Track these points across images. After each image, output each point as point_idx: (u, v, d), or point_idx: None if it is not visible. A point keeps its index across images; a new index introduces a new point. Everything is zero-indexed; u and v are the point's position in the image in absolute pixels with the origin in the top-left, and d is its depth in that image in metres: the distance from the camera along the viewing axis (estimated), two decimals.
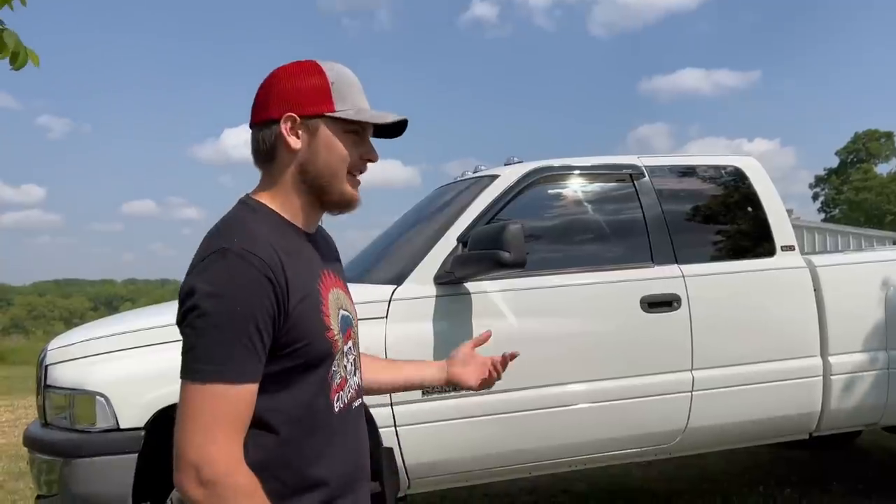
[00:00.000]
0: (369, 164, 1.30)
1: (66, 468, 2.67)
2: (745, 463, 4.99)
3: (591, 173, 3.51)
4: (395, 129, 1.33)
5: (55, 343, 2.98)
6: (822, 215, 44.03)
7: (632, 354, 3.19)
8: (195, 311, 1.09)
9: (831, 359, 3.44)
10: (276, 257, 1.13)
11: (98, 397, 2.66)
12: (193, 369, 1.09)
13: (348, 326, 1.29)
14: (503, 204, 3.24)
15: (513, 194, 3.28)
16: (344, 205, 1.28)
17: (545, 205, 3.46)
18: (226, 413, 1.08)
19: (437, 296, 2.98)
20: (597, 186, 3.52)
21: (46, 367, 2.85)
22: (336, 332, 1.23)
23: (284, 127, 1.21)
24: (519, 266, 2.84)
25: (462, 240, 3.09)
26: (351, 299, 1.35)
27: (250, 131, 1.27)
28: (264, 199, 1.25)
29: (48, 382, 2.83)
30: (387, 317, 2.89)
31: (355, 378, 1.31)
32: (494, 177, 3.40)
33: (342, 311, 1.27)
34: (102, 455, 2.65)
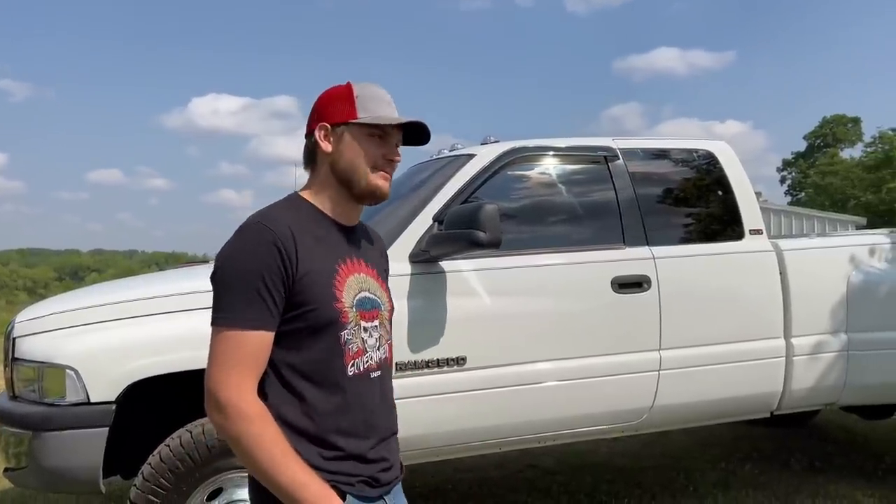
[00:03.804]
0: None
1: (36, 441, 2.66)
2: (707, 440, 5.14)
3: (566, 154, 3.54)
4: (421, 136, 1.56)
5: (23, 315, 2.94)
6: (790, 198, 44.84)
7: (602, 334, 3.25)
8: (217, 272, 1.36)
9: (794, 340, 3.53)
10: (289, 232, 1.36)
11: (68, 370, 2.64)
12: (214, 318, 1.34)
13: (374, 308, 1.48)
14: (479, 183, 3.26)
15: (489, 174, 3.30)
16: (369, 194, 1.48)
17: (520, 185, 3.48)
18: (235, 353, 1.31)
19: (412, 274, 3.00)
20: (571, 168, 3.55)
21: (14, 339, 2.81)
22: (347, 305, 1.41)
23: (319, 134, 1.48)
24: (494, 246, 2.86)
25: (438, 219, 3.10)
26: (386, 290, 1.57)
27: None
28: (306, 195, 1.50)
29: (16, 355, 2.79)
30: None
31: (378, 353, 1.48)
32: (471, 156, 3.40)
33: (365, 293, 1.47)
34: (72, 429, 2.64)
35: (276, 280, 1.33)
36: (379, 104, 1.48)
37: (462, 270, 3.07)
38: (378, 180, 1.47)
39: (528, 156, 3.45)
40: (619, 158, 3.54)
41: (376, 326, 1.48)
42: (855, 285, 3.63)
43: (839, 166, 42.33)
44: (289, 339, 1.36)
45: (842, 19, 72.95)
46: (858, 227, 16.40)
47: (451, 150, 3.82)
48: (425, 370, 2.96)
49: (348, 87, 1.49)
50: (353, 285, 1.44)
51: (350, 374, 1.41)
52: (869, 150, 42.31)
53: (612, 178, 3.50)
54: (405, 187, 3.73)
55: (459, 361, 3.01)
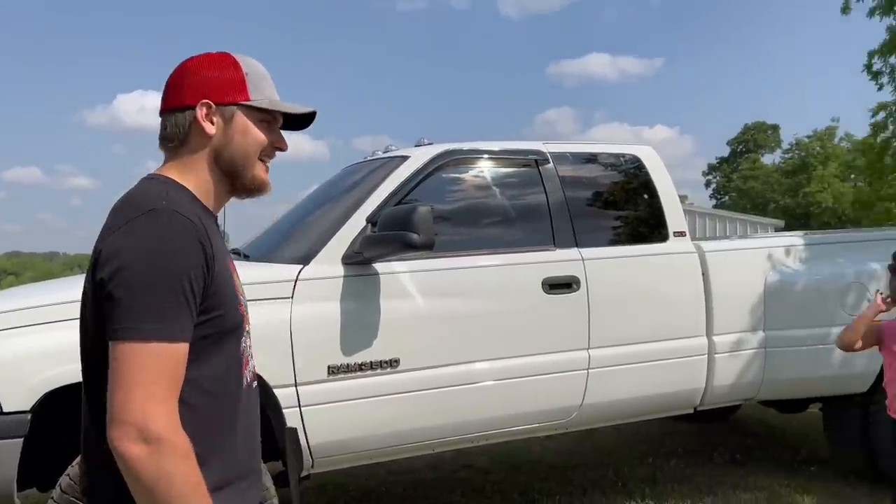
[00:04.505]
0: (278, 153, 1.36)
1: None
2: (636, 436, 5.28)
3: (498, 157, 3.59)
4: (302, 121, 1.39)
5: None
6: (714, 201, 46.63)
7: (533, 334, 3.30)
8: (126, 270, 1.10)
9: (715, 338, 3.68)
10: (202, 226, 1.18)
11: None
12: (132, 328, 1.09)
13: (247, 310, 1.33)
14: (413, 185, 3.26)
15: (422, 176, 3.31)
16: (255, 189, 1.33)
17: (454, 187, 3.51)
18: (166, 371, 1.09)
19: (344, 276, 2.98)
20: (503, 170, 3.60)
21: None
22: (244, 307, 1.29)
23: (200, 113, 1.26)
24: (428, 248, 2.87)
25: (371, 220, 3.09)
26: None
27: (161, 118, 1.30)
28: (174, 176, 1.27)
29: None
30: (292, 297, 2.86)
31: (253, 361, 1.34)
32: (404, 158, 3.41)
33: (241, 295, 1.31)
34: None
35: (200, 283, 1.14)
36: (270, 86, 1.32)
37: (395, 272, 3.07)
38: (264, 174, 1.33)
39: (461, 158, 3.48)
40: (549, 162, 3.61)
41: (249, 331, 1.34)
42: (771, 285, 3.80)
43: (760, 171, 44.28)
44: (191, 352, 1.14)
45: (763, 32, 76.49)
46: (777, 230, 17.20)
47: (384, 152, 3.82)
48: (358, 373, 2.95)
49: (234, 62, 1.30)
50: (240, 285, 1.31)
51: (244, 385, 1.27)
52: (787, 156, 44.45)
53: (542, 181, 3.56)
54: (338, 189, 3.71)
55: (393, 363, 3.01)
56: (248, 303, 1.35)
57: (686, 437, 5.27)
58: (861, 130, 19.55)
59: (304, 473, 2.98)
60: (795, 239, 4.16)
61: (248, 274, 2.95)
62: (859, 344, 2.98)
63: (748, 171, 44.35)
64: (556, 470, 4.59)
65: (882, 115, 17.87)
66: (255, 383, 1.35)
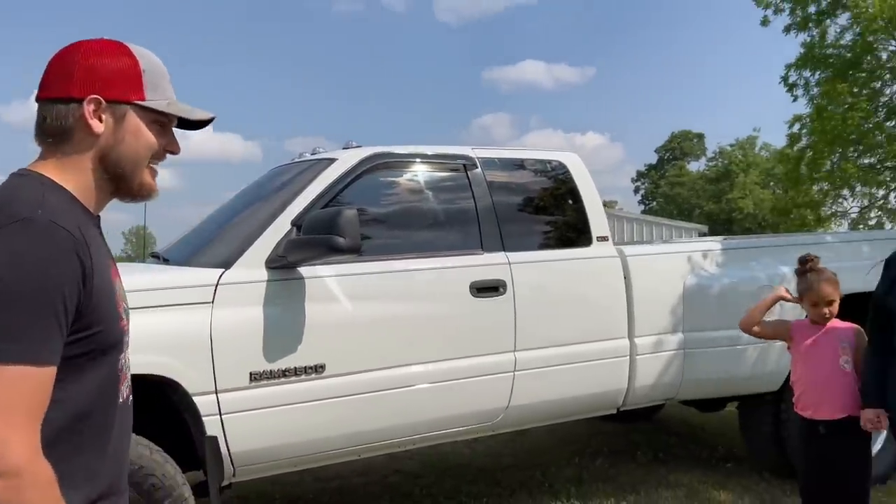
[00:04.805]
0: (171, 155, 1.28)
1: None
2: (564, 437, 5.38)
3: (427, 162, 3.60)
4: (198, 122, 1.31)
5: None
6: (643, 207, 48.07)
7: (460, 337, 3.32)
8: None
9: (637, 340, 3.78)
10: (81, 233, 1.08)
11: None
12: None
13: (128, 320, 1.25)
14: (340, 188, 3.24)
15: (350, 179, 3.29)
16: (142, 194, 1.25)
17: (382, 191, 3.50)
18: (28, 396, 1.00)
19: (268, 280, 2.93)
20: (432, 175, 3.61)
21: None
22: (125, 322, 1.21)
23: (88, 109, 1.15)
24: (353, 252, 2.85)
25: (296, 223, 3.05)
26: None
27: (38, 105, 1.19)
28: (52, 175, 1.16)
29: None
30: (213, 302, 2.79)
31: (129, 376, 1.27)
32: (332, 160, 3.38)
33: (124, 304, 1.23)
34: None
35: (74, 300, 1.05)
36: (168, 84, 1.23)
37: (321, 276, 3.04)
38: (152, 179, 1.24)
39: (389, 162, 3.48)
40: (477, 167, 3.64)
41: (128, 342, 1.25)
42: (690, 288, 3.94)
43: (686, 178, 45.91)
44: (63, 371, 1.06)
45: (690, 43, 79.39)
46: (701, 234, 17.84)
47: (312, 154, 3.77)
48: (282, 379, 2.90)
49: (130, 55, 1.19)
50: (122, 295, 1.22)
51: (119, 402, 1.20)
52: (711, 163, 46.21)
53: (470, 186, 3.59)
54: (264, 191, 3.65)
55: (318, 369, 2.97)
56: (166, 308, 1.31)
57: (611, 437, 5.40)
58: (780, 140, 20.58)
59: (225, 482, 2.91)
60: (712, 244, 4.32)
61: (166, 278, 2.91)
62: (759, 328, 3.16)
63: (675, 178, 45.96)
64: (484, 472, 4.63)
65: (798, 126, 18.81)
66: (131, 398, 1.27)
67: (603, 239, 3.85)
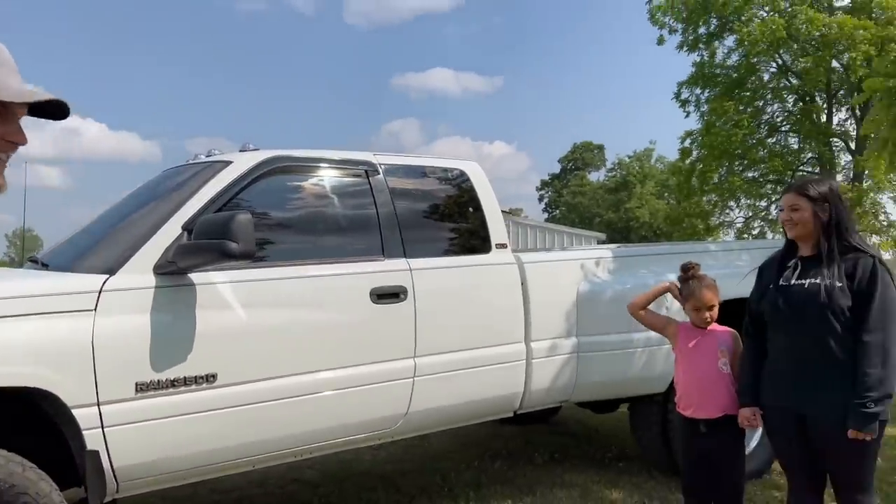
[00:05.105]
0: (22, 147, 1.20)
1: None
2: (466, 440, 5.44)
3: (327, 167, 3.56)
4: (55, 113, 1.22)
5: None
6: (546, 215, 49.41)
7: (360, 344, 3.29)
8: None
9: (533, 344, 3.88)
10: None
11: None
12: None
13: None
14: (234, 192, 3.15)
15: (246, 182, 3.20)
16: None
17: (280, 195, 3.42)
18: None
19: (156, 287, 2.81)
20: (332, 180, 3.58)
21: None
22: None
23: None
24: (247, 257, 2.79)
25: (187, 228, 2.94)
26: None
27: None
28: None
29: None
30: (96, 309, 2.65)
31: None
32: (227, 163, 3.29)
33: None
34: None
35: None
36: (8, 70, 1.16)
37: (214, 283, 2.94)
38: (0, 173, 1.17)
39: (288, 166, 3.42)
40: (379, 173, 3.64)
41: None
42: (583, 294, 4.08)
43: (587, 188, 47.56)
44: None
45: (594, 57, 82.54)
46: (599, 242, 18.52)
47: (207, 156, 3.65)
48: (171, 389, 2.78)
49: None
50: None
51: None
52: (611, 174, 48.08)
53: (372, 192, 3.58)
54: (154, 193, 3.51)
55: (209, 378, 2.87)
56: (42, 316, 1.21)
57: (510, 439, 5.51)
58: (674, 153, 21.64)
59: (108, 498, 2.76)
60: (605, 252, 4.50)
61: (44, 285, 2.73)
62: (644, 314, 3.37)
63: (576, 188, 47.52)
64: (385, 479, 4.61)
65: (689, 141, 19.90)
66: None
67: (502, 246, 3.93)
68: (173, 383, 2.79)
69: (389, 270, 3.45)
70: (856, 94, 12.47)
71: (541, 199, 52.69)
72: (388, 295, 3.40)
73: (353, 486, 4.47)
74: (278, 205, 3.40)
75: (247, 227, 2.73)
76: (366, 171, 3.61)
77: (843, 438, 2.56)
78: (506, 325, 3.80)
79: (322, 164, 3.55)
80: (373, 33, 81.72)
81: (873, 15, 16.46)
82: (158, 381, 2.75)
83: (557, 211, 48.93)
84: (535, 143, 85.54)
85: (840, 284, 2.62)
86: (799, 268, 2.77)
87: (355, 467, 4.86)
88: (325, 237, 3.46)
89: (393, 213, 3.58)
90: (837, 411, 2.59)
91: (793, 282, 2.75)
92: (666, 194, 34.41)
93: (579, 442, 5.40)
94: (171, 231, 2.92)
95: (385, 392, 3.35)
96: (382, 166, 3.68)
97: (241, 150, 3.48)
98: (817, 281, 2.66)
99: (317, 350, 3.18)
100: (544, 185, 52.67)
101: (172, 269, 2.84)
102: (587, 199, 46.11)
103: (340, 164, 3.60)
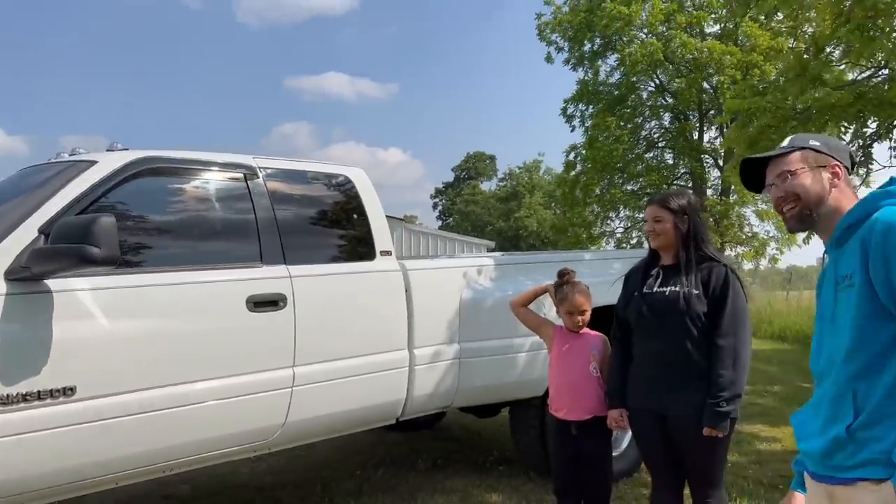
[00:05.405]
0: None
1: None
2: (349, 449, 5.39)
3: (203, 169, 3.43)
4: None
5: None
6: (440, 223, 49.90)
7: (235, 354, 3.18)
8: None
9: (416, 351, 3.89)
10: None
11: None
12: None
13: None
14: (98, 194, 2.97)
15: (112, 184, 3.03)
16: None
17: (150, 198, 3.25)
18: None
19: (7, 294, 2.60)
20: (208, 183, 3.45)
21: None
22: None
23: None
24: (110, 263, 2.63)
25: (44, 231, 2.74)
26: None
27: None
28: None
29: None
30: None
31: None
32: (92, 163, 3.10)
33: None
34: None
35: None
36: None
37: (74, 290, 2.76)
38: None
39: (160, 167, 3.26)
40: (258, 177, 3.55)
41: None
42: (466, 300, 4.15)
43: (479, 196, 48.45)
44: None
45: (487, 68, 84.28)
46: (489, 250, 18.90)
47: (71, 155, 3.43)
48: (23, 404, 2.58)
49: None
50: None
51: None
52: (502, 183, 49.24)
53: (251, 196, 3.48)
54: (8, 194, 3.25)
55: (67, 392, 2.69)
56: None
57: (394, 446, 5.50)
58: (561, 165, 22.49)
59: None
60: (488, 260, 4.59)
61: None
62: (524, 311, 3.50)
63: (469, 196, 48.32)
64: (263, 491, 4.48)
65: (573, 154, 20.71)
66: None
67: (386, 253, 3.92)
68: (25, 397, 2.59)
69: (267, 277, 3.36)
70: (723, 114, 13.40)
71: (435, 206, 53.18)
72: (265, 303, 3.31)
73: (228, 501, 4.32)
74: (148, 208, 3.23)
75: (110, 230, 2.58)
76: (245, 175, 3.51)
77: (699, 436, 2.74)
78: (389, 333, 3.79)
79: (197, 167, 3.41)
80: (265, 32, 79.60)
81: (739, 42, 17.81)
82: (8, 395, 2.55)
83: (451, 219, 49.50)
84: (429, 152, 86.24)
85: (697, 292, 2.81)
86: (661, 276, 2.94)
87: (232, 480, 4.69)
88: (198, 243, 3.33)
89: (273, 219, 3.50)
90: (695, 411, 2.76)
91: (655, 289, 2.92)
92: (553, 204, 35.59)
93: (462, 447, 5.47)
94: (25, 234, 2.72)
95: (261, 403, 3.26)
96: (263, 170, 3.59)
97: (108, 150, 3.30)
98: (676, 289, 2.84)
99: (188, 360, 3.05)
100: (438, 193, 53.19)
101: (26, 276, 2.64)
102: (479, 207, 46.97)
103: (217, 166, 3.48)
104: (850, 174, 1.86)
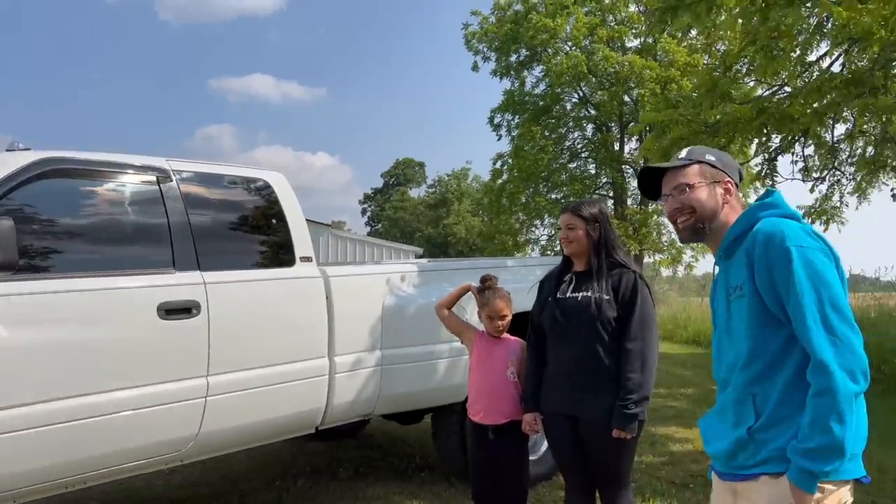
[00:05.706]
0: None
1: None
2: (267, 459, 5.28)
3: (113, 171, 3.30)
4: None
5: None
6: (369, 228, 49.64)
7: (144, 363, 3.08)
8: None
9: (336, 358, 3.85)
10: None
11: None
12: None
13: None
14: None
15: (10, 186, 2.88)
16: None
17: (55, 201, 3.11)
18: None
19: None
20: (118, 186, 3.32)
21: None
22: None
23: None
24: (8, 269, 2.52)
25: None
26: None
27: None
28: None
29: None
30: None
31: None
32: None
33: None
34: None
35: None
36: None
37: None
38: None
39: (65, 169, 3.12)
40: (172, 180, 3.44)
41: None
42: (388, 307, 4.14)
43: (408, 203, 48.47)
44: None
45: (417, 76, 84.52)
46: (417, 256, 18.92)
47: None
48: None
49: None
50: None
51: None
52: (431, 190, 49.43)
53: (164, 200, 3.37)
54: None
55: None
56: None
57: (315, 455, 5.42)
58: (488, 173, 22.82)
59: None
60: (411, 266, 4.60)
61: None
62: (447, 314, 3.52)
63: (398, 203, 48.27)
64: None
65: (500, 162, 21.03)
66: None
67: (306, 259, 3.87)
68: None
69: (180, 284, 3.26)
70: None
71: (363, 212, 52.87)
72: (177, 310, 3.21)
73: None
74: (53, 211, 3.09)
75: (8, 234, 2.47)
76: (157, 178, 3.40)
77: (608, 438, 2.82)
78: (308, 340, 3.74)
79: (106, 169, 3.28)
80: (187, 31, 77.32)
81: (657, 57, 18.52)
82: None
83: (380, 225, 49.33)
84: (358, 157, 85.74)
85: (607, 297, 2.89)
86: (573, 282, 3.02)
87: (146, 494, 4.52)
88: (107, 247, 3.20)
89: (187, 224, 3.40)
90: (605, 414, 2.84)
91: (568, 295, 2.99)
92: (480, 212, 35.98)
93: (385, 454, 5.44)
94: None
95: (172, 413, 3.15)
96: (177, 173, 3.49)
97: (7, 150, 3.14)
98: (588, 294, 2.92)
99: (95, 370, 2.92)
100: (367, 198, 52.91)
101: None
102: (408, 213, 46.99)
103: (128, 168, 3.35)
104: (737, 190, 1.97)
